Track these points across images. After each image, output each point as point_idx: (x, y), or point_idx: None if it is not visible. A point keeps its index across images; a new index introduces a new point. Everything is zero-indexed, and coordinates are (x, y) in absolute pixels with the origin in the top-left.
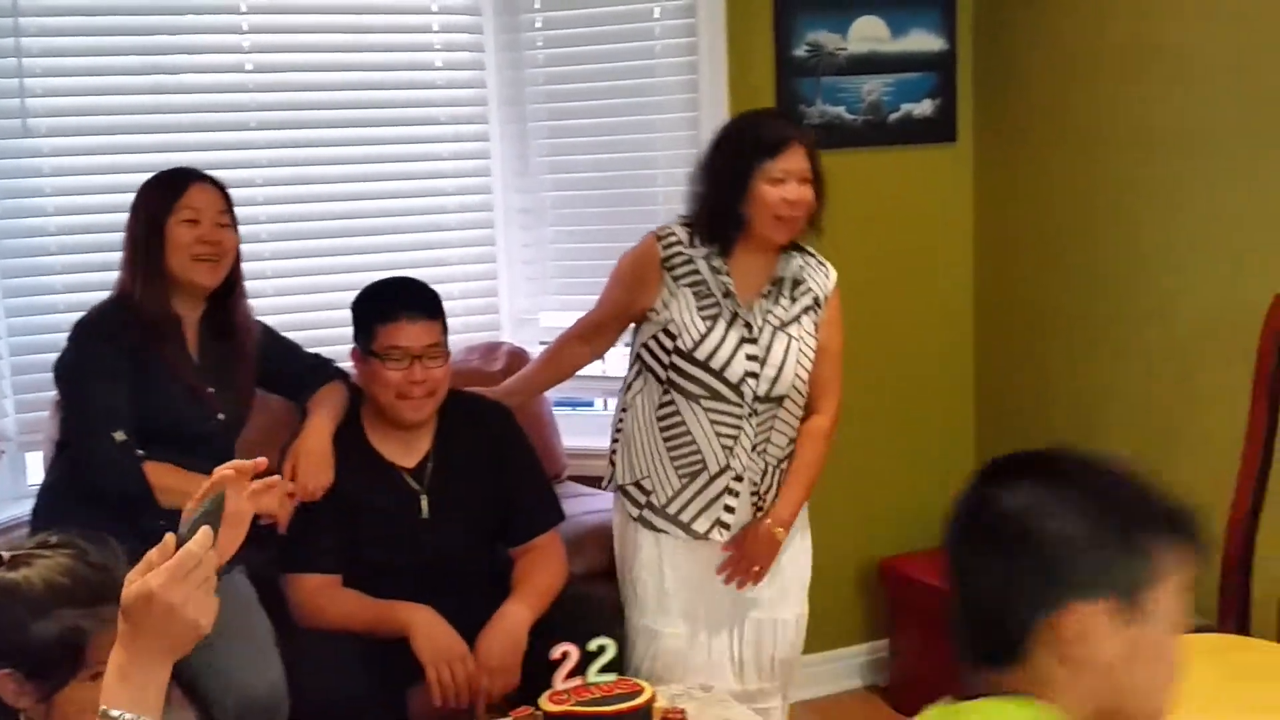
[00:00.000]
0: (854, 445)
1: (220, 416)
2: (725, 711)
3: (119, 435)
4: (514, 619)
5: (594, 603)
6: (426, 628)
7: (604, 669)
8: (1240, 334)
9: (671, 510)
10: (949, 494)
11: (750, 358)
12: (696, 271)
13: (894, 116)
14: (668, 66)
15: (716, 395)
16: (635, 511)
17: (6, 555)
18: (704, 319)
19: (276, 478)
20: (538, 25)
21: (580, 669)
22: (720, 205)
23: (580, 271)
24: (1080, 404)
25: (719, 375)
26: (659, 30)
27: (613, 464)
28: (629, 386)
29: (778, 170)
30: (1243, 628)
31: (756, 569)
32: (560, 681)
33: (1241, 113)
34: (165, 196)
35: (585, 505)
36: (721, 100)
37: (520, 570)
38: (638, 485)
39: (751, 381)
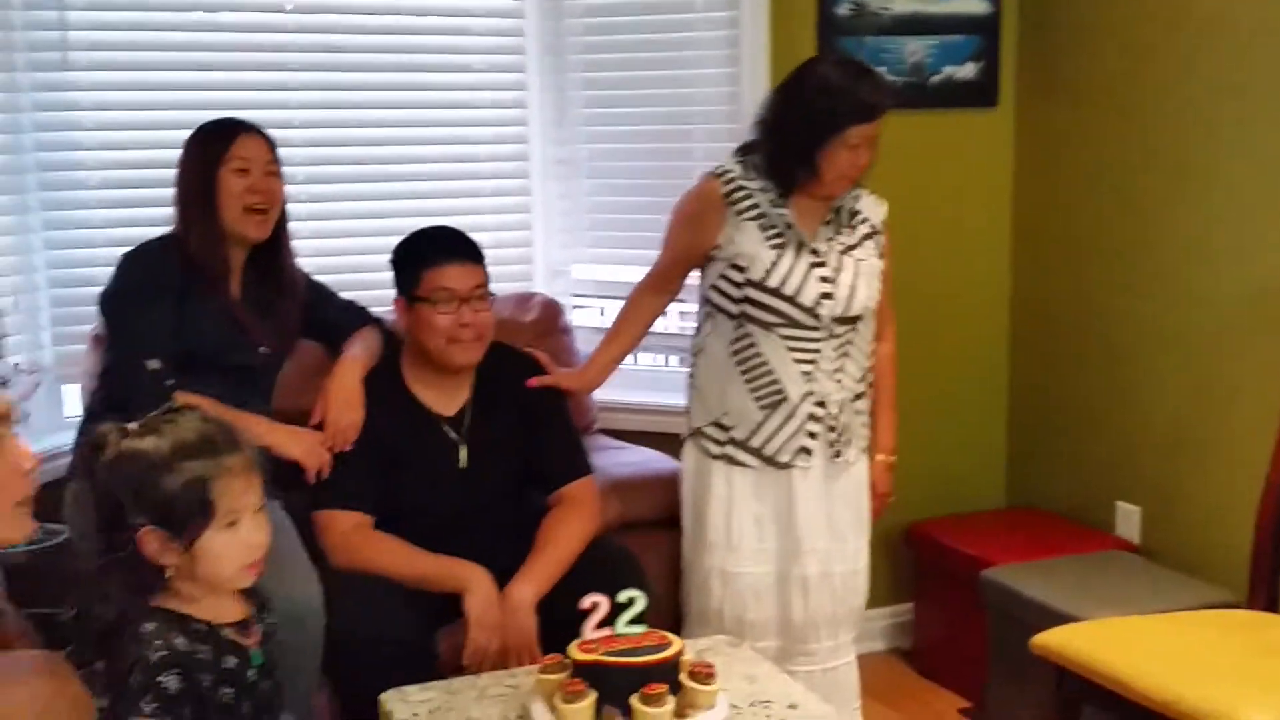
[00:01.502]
0: None
1: (263, 349)
2: (753, 668)
3: (153, 364)
4: (519, 601)
5: (623, 555)
6: (483, 591)
7: (633, 621)
8: None
9: (755, 444)
10: (980, 460)
11: (823, 279)
12: (757, 205)
13: (935, 79)
14: (709, 21)
15: (792, 322)
16: (716, 449)
17: (134, 427)
18: (771, 248)
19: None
20: None
21: (609, 620)
22: (793, 154)
23: (615, 225)
24: (1117, 372)
25: (793, 301)
26: None
27: (689, 414)
28: (699, 333)
29: (858, 136)
30: (1271, 605)
31: (891, 498)
32: (590, 631)
33: None
34: (216, 146)
35: (615, 458)
36: (762, 57)
37: (545, 526)
38: (716, 424)
39: (827, 303)
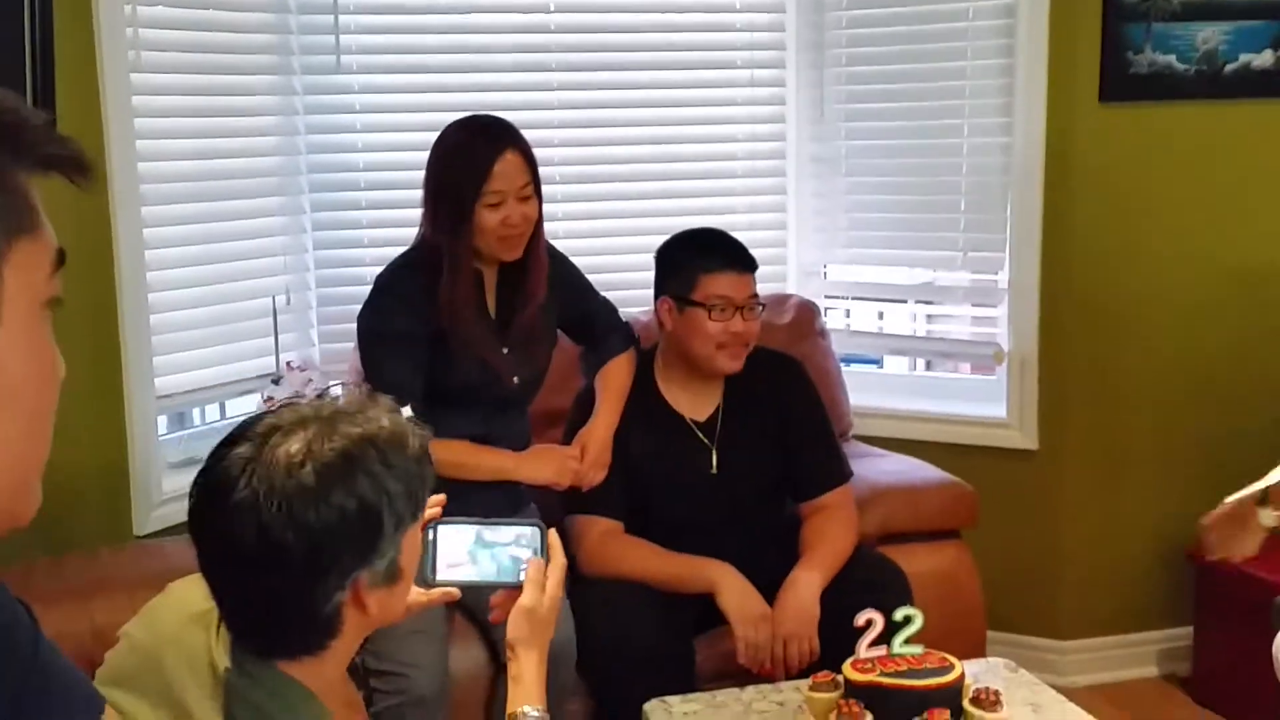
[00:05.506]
0: (1171, 424)
1: (515, 380)
2: (1037, 695)
3: (406, 411)
4: (806, 586)
5: (892, 570)
6: (734, 587)
7: (908, 640)
8: None
9: None
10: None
11: None
12: None
13: (1230, 67)
14: (982, 9)
15: None
16: None
17: None
18: None
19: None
20: None
21: (884, 638)
22: None
23: (873, 224)
24: None
25: None
26: None
27: None
28: None
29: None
30: None
31: None
32: (864, 650)
33: None
34: (473, 176)
35: (872, 465)
36: (1040, 47)
37: (810, 531)
38: None
39: None
